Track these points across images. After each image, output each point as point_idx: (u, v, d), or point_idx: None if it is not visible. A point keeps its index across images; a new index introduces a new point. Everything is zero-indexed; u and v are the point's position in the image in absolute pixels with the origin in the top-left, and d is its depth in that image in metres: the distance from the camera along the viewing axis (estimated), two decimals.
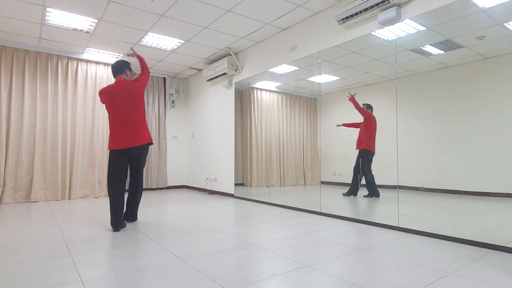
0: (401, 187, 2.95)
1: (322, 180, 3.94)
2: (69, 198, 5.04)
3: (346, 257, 2.10)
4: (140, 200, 3.29)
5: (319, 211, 3.63)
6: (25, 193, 4.76)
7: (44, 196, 4.86)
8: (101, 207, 4.23)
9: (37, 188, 4.80)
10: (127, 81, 3.14)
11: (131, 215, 3.24)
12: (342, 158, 3.79)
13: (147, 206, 4.33)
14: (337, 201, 3.78)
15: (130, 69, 3.23)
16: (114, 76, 3.17)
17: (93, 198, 5.19)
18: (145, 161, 3.26)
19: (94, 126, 5.38)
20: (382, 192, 3.45)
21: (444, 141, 2.95)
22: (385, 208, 3.31)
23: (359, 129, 3.66)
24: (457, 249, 2.26)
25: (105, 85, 5.49)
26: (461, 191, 2.81)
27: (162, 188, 6.54)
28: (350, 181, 3.75)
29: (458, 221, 2.76)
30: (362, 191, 3.61)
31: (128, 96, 3.04)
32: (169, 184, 6.68)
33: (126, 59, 3.24)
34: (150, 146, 6.31)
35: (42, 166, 4.89)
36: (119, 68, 3.16)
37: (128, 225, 3.11)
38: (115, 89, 3.04)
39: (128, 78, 3.20)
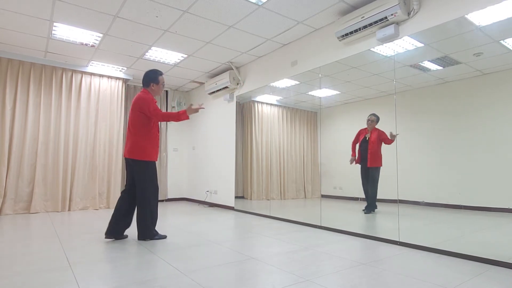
0: (401, 201, 2.96)
1: (322, 193, 3.94)
2: (69, 210, 5.03)
3: (347, 271, 2.09)
4: (142, 220, 2.95)
5: (319, 225, 3.62)
6: (25, 204, 4.75)
7: (44, 208, 4.85)
8: (101, 219, 4.22)
9: (38, 200, 4.80)
10: (142, 92, 3.03)
11: (138, 232, 2.99)
12: (343, 172, 3.81)
13: None
14: (337, 215, 3.78)
15: (157, 82, 3.09)
16: (143, 86, 3.12)
17: (93, 210, 5.18)
18: (142, 178, 2.95)
19: (96, 138, 5.41)
20: (382, 206, 3.45)
21: (444, 156, 2.97)
22: (386, 223, 3.30)
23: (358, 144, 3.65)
24: (458, 264, 2.25)
25: (108, 98, 5.59)
26: (462, 205, 2.81)
27: (162, 201, 6.52)
28: (350, 195, 3.76)
29: (459, 236, 2.75)
30: (361, 205, 3.61)
31: (133, 106, 3.03)
32: (169, 197, 6.67)
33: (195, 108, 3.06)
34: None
35: (43, 177, 4.90)
36: (144, 79, 3.10)
37: (128, 238, 3.09)
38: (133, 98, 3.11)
39: (153, 92, 3.09)
